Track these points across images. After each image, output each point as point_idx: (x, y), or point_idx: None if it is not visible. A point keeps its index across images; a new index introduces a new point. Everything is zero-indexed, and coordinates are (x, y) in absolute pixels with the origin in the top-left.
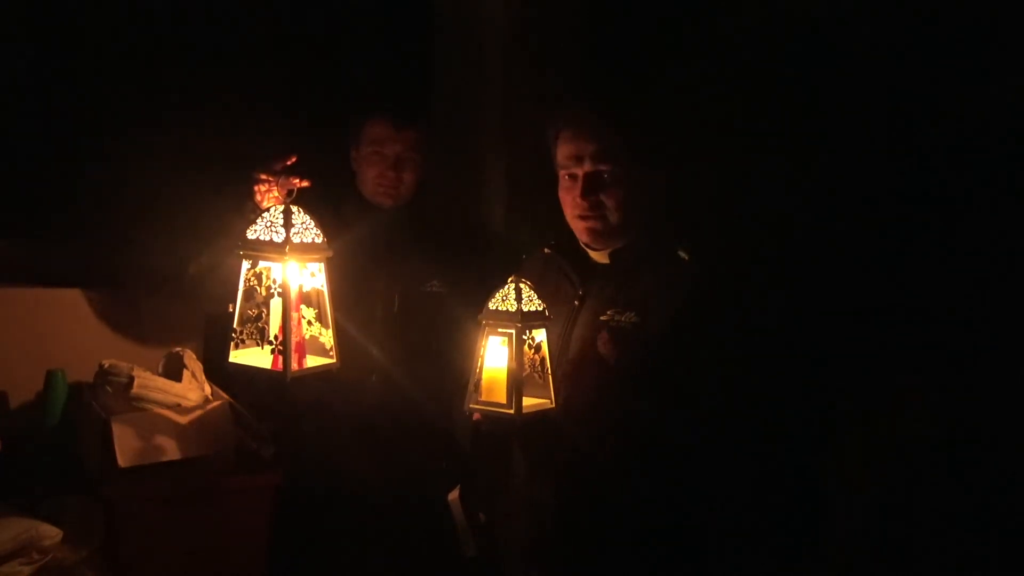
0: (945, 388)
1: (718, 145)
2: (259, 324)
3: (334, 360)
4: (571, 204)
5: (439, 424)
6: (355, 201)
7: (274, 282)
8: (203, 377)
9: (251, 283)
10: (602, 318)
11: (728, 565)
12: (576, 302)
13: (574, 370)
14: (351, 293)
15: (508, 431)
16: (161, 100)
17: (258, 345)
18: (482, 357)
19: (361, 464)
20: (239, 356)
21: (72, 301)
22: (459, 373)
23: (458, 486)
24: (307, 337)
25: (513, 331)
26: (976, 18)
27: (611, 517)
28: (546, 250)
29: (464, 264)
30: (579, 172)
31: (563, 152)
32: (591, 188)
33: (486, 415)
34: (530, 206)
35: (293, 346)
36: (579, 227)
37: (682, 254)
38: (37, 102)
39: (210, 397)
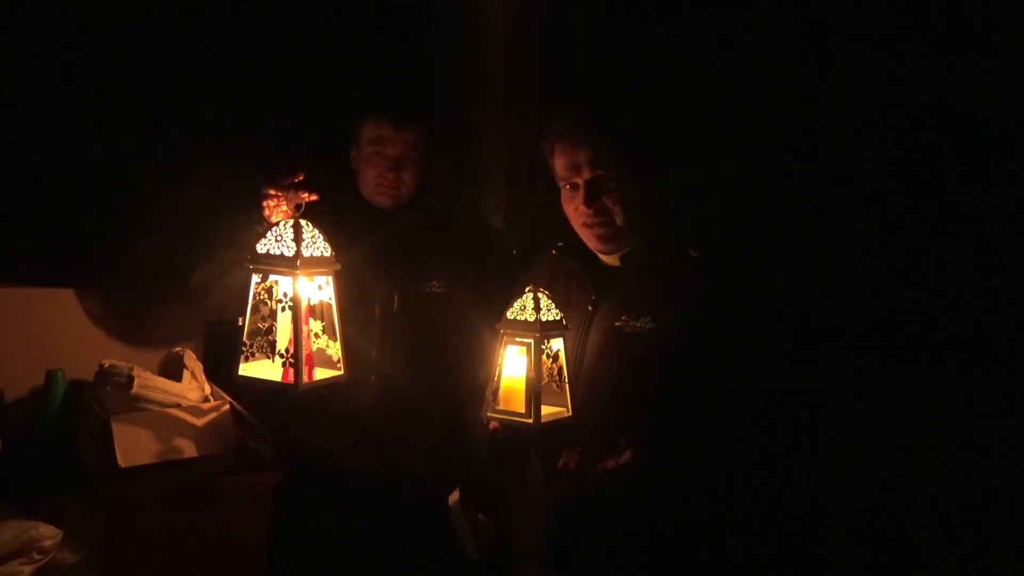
0: (945, 388)
1: (720, 146)
2: (269, 337)
3: (342, 372)
4: (576, 214)
5: (438, 425)
6: (354, 201)
7: (285, 295)
8: (203, 377)
9: (261, 296)
10: (616, 324)
11: (736, 567)
12: (589, 307)
13: (590, 377)
14: (350, 293)
15: (526, 440)
16: (163, 101)
17: (268, 358)
18: (500, 366)
19: (360, 464)
20: (248, 369)
21: (72, 301)
22: (461, 374)
23: (457, 489)
24: (314, 350)
25: (532, 341)
26: (976, 17)
27: (627, 523)
28: (553, 251)
29: (464, 264)
30: (579, 181)
31: (560, 163)
32: (593, 195)
33: (504, 424)
34: (530, 206)
35: (303, 359)
36: (587, 235)
37: (692, 253)
38: (39, 102)
39: (210, 397)
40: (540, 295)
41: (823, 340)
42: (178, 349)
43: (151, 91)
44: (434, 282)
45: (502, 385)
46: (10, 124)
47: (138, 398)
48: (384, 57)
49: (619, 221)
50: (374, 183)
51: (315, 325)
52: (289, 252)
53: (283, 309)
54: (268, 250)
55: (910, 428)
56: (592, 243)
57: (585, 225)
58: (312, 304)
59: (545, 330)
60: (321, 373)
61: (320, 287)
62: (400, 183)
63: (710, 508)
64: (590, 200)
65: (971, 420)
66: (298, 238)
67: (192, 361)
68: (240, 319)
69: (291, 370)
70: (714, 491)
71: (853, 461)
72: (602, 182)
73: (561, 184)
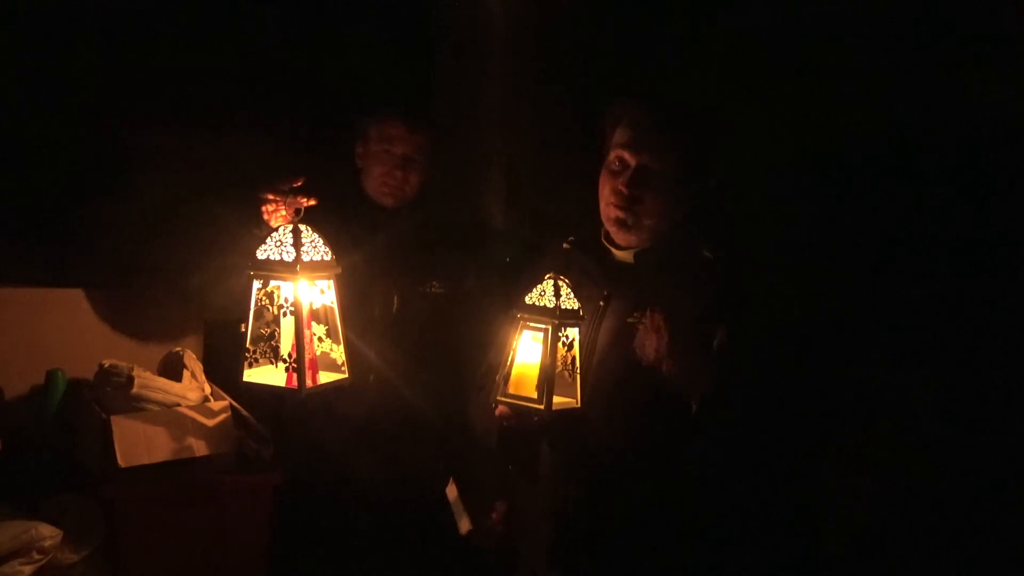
0: (945, 388)
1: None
2: (272, 343)
3: (346, 375)
4: (610, 190)
5: (437, 424)
6: (357, 199)
7: (286, 300)
8: (203, 377)
9: (263, 302)
10: (628, 320)
11: (742, 564)
12: (601, 303)
13: (600, 372)
14: (351, 293)
15: (535, 427)
16: (164, 102)
17: (271, 363)
18: (514, 351)
19: (360, 464)
20: (253, 375)
21: (72, 301)
22: (460, 374)
23: (451, 479)
24: (318, 353)
25: (549, 327)
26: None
27: (634, 516)
28: (565, 245)
29: (464, 265)
30: (632, 161)
31: (624, 134)
32: (637, 182)
33: (513, 409)
34: (530, 206)
35: (307, 363)
36: (609, 214)
37: (707, 253)
38: (41, 103)
39: (210, 397)
40: (560, 282)
41: (833, 341)
42: (178, 349)
43: (152, 91)
44: (433, 282)
45: (514, 370)
46: (10, 124)
47: (138, 398)
48: (385, 57)
49: (645, 222)
50: (379, 180)
51: (318, 329)
52: (289, 257)
53: (285, 314)
54: (268, 256)
55: (914, 428)
56: (610, 224)
57: (614, 205)
58: (315, 308)
59: (563, 318)
60: (325, 376)
61: (322, 291)
62: (405, 183)
63: (715, 507)
64: (632, 184)
65: (971, 420)
66: (297, 243)
67: (192, 361)
68: (243, 325)
69: (294, 375)
70: (720, 490)
71: (858, 461)
72: (651, 175)
73: (612, 154)
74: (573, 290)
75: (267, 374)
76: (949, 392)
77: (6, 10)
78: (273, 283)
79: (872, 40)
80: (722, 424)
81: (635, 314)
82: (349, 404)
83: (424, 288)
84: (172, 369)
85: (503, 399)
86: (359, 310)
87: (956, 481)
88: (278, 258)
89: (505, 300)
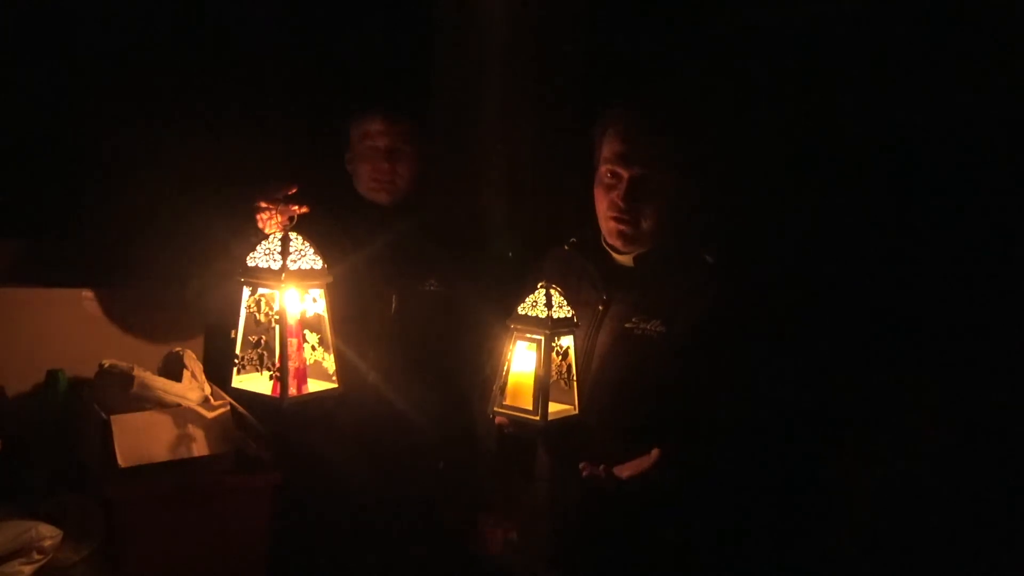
0: (946, 388)
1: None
2: (259, 350)
3: (336, 385)
4: (607, 204)
5: (436, 424)
6: (353, 201)
7: (271, 308)
8: (203, 377)
9: (251, 310)
10: (627, 325)
11: (743, 564)
12: (600, 307)
13: (599, 376)
14: (349, 293)
15: (533, 437)
16: (163, 103)
17: (258, 371)
18: (509, 361)
19: (359, 463)
20: (241, 381)
21: (72, 301)
22: (460, 373)
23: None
24: (310, 362)
25: (542, 337)
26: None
27: (634, 517)
28: (566, 247)
29: (463, 263)
30: (624, 174)
31: (611, 148)
32: (633, 193)
33: (511, 420)
34: (530, 206)
35: (292, 372)
36: (610, 227)
37: (707, 258)
38: (40, 104)
39: (210, 397)
40: (553, 291)
41: (833, 342)
42: (178, 349)
43: (153, 94)
44: (432, 281)
45: (510, 381)
46: (11, 125)
47: (138, 398)
48: (384, 58)
49: (646, 226)
50: (369, 177)
51: (312, 337)
52: (275, 265)
53: (272, 323)
54: (257, 263)
55: (914, 428)
56: (612, 238)
57: (614, 219)
58: (307, 317)
59: (556, 327)
60: (315, 385)
61: (314, 299)
62: (395, 175)
63: (716, 508)
64: (629, 196)
65: (972, 420)
66: (285, 251)
67: (192, 361)
68: (232, 331)
69: (279, 383)
70: (721, 491)
71: (858, 461)
72: (645, 183)
73: (603, 168)
74: (572, 292)
75: (254, 381)
76: (949, 392)
77: (6, 10)
78: (262, 291)
79: (872, 40)
80: (722, 426)
81: (633, 319)
82: (348, 403)
83: (423, 287)
84: (172, 369)
85: (500, 410)
86: (358, 310)
87: (956, 481)
88: (266, 266)
89: (504, 299)
